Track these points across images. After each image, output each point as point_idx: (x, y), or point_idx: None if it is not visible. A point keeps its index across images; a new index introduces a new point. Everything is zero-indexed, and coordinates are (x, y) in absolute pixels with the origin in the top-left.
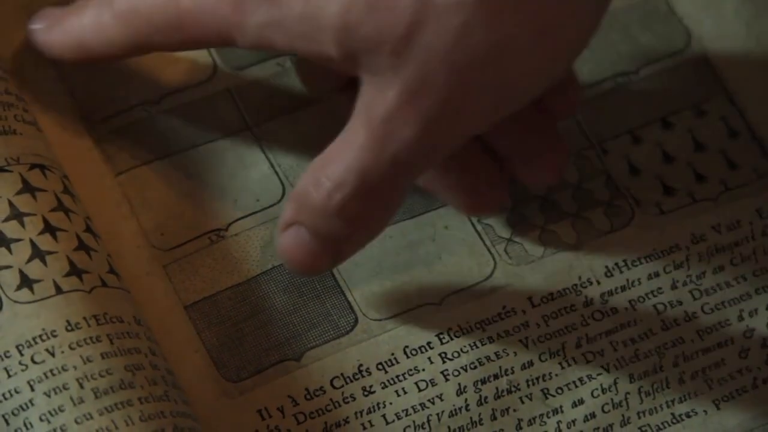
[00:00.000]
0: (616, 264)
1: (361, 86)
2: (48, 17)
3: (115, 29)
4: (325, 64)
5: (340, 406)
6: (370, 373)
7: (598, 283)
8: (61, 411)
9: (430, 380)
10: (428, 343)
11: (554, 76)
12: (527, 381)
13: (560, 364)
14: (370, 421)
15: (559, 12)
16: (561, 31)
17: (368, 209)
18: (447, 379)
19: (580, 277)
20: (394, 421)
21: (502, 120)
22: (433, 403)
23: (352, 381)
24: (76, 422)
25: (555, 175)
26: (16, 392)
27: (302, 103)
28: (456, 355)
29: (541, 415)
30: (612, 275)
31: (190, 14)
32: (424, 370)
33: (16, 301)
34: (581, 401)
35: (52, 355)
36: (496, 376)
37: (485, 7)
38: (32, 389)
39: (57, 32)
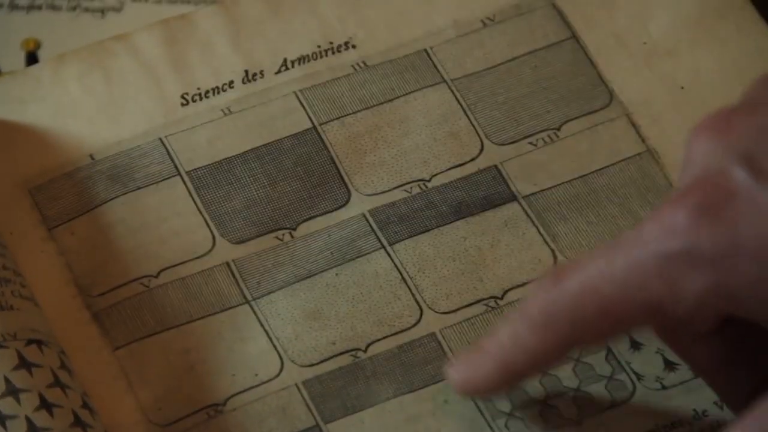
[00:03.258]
0: None
1: None
2: (464, 357)
3: (536, 337)
4: None
5: None
6: None
7: None
8: None
9: None
10: None
11: None
12: None
13: None
14: None
15: None
16: None
17: None
18: None
19: None
20: None
21: None
22: None
23: None
24: None
25: None
26: None
27: (302, 276)
28: None
29: None
30: None
31: (614, 298)
32: None
33: None
34: None
35: None
36: None
37: None
38: None
39: (478, 365)
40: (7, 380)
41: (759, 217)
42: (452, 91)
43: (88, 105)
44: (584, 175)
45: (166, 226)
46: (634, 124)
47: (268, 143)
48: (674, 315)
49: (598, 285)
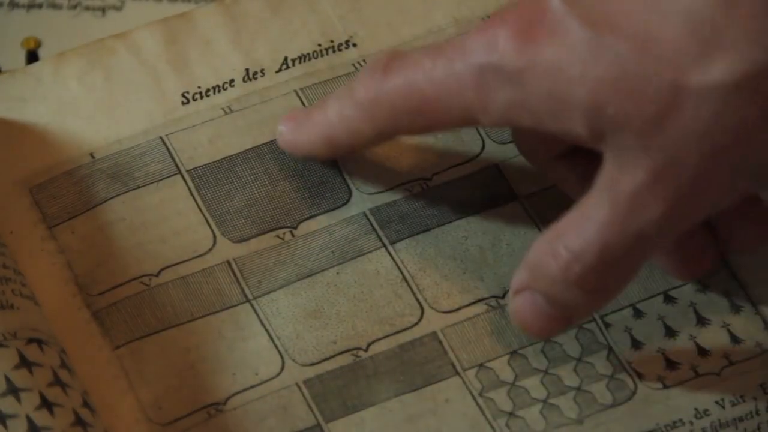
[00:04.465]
0: None
1: (604, 162)
2: (293, 118)
3: (360, 120)
4: (570, 141)
5: None
6: None
7: None
8: None
9: None
10: None
11: None
12: None
13: None
14: None
15: None
16: None
17: (606, 281)
18: None
19: None
20: None
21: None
22: None
23: None
24: None
25: (765, 235)
26: None
27: (303, 274)
28: None
29: None
30: None
31: (432, 99)
32: None
33: None
34: None
35: None
36: None
37: (742, 90)
38: None
39: (304, 131)
40: (7, 379)
41: (558, 35)
42: None
43: (89, 103)
44: None
45: (167, 225)
46: None
47: (268, 142)
48: (483, 124)
49: (420, 84)
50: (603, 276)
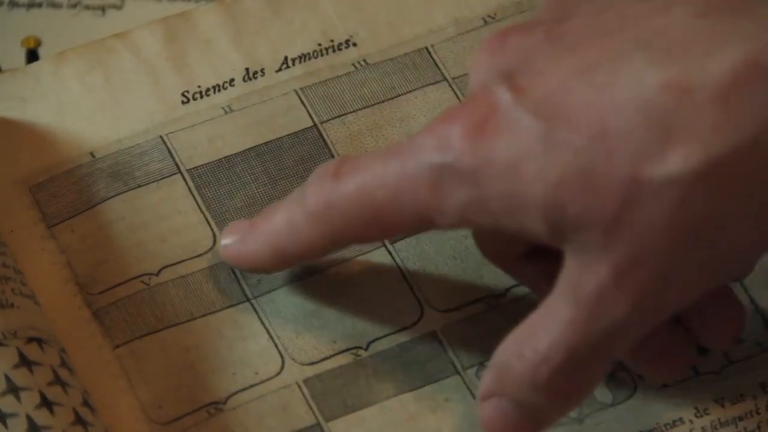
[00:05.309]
0: None
1: (566, 260)
2: (237, 230)
3: (310, 230)
4: (530, 240)
5: None
6: None
7: None
8: None
9: None
10: None
11: None
12: None
13: None
14: None
15: None
16: None
17: (575, 382)
18: None
19: None
20: None
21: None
22: None
23: None
24: None
25: (735, 334)
26: None
27: (302, 274)
28: None
29: None
30: None
31: (386, 204)
32: None
33: None
34: None
35: None
36: None
37: (704, 181)
38: None
39: (250, 243)
40: (7, 378)
41: (511, 132)
42: (453, 90)
43: (89, 103)
44: None
45: (167, 224)
46: None
47: (268, 141)
48: (440, 226)
49: (372, 190)
50: (571, 377)
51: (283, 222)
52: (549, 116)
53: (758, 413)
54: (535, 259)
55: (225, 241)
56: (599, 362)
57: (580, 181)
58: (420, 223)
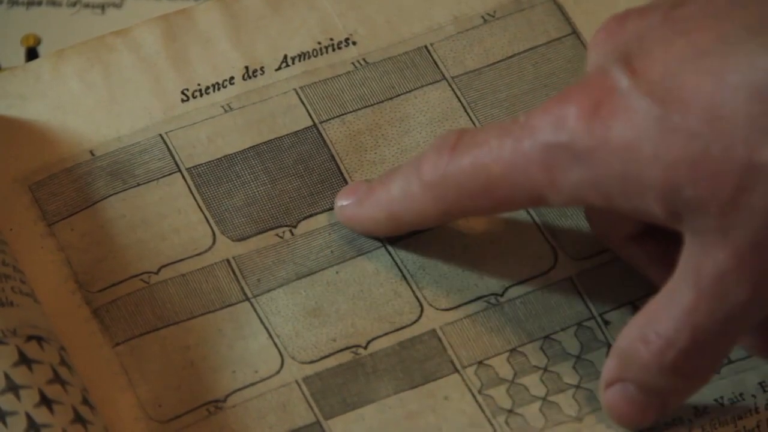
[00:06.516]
0: None
1: (685, 244)
2: (355, 192)
3: (425, 198)
4: (645, 220)
5: None
6: None
7: None
8: None
9: None
10: None
11: None
12: None
13: None
14: None
15: None
16: None
17: (700, 364)
18: None
19: None
20: None
21: None
22: None
23: None
24: None
25: None
26: None
27: (303, 273)
28: None
29: None
30: None
31: (500, 179)
32: None
33: None
34: None
35: None
36: None
37: None
38: None
39: (367, 206)
40: (7, 376)
41: (627, 114)
42: (452, 89)
43: (88, 101)
44: None
45: (167, 223)
46: None
47: (268, 140)
48: (552, 204)
49: (487, 165)
50: (696, 360)
51: (400, 189)
52: (664, 99)
53: (757, 412)
54: (644, 240)
55: (341, 202)
56: (722, 344)
57: (695, 164)
58: (531, 199)
